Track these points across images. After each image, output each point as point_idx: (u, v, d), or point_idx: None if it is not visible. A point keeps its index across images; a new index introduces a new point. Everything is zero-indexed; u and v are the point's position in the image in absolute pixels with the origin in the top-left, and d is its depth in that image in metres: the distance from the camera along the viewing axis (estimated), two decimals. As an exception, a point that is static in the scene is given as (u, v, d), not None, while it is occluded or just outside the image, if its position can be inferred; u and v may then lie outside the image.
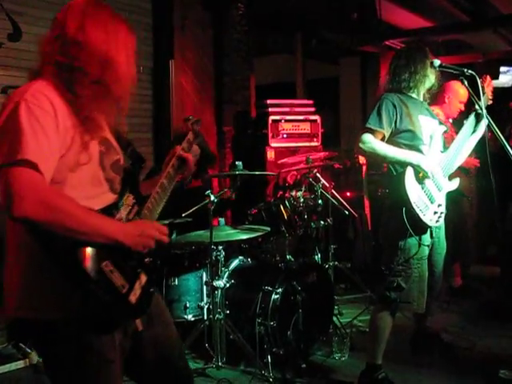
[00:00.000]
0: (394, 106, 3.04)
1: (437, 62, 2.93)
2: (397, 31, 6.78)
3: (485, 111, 2.74)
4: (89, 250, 1.53)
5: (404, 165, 2.99)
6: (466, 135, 3.22)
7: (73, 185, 1.62)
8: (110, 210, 1.67)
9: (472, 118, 3.20)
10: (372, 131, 3.00)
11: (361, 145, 2.98)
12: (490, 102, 3.40)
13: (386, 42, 6.53)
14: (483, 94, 2.89)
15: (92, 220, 1.54)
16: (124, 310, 1.63)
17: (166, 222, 3.36)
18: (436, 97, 4.51)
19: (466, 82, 2.88)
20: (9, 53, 3.95)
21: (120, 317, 1.66)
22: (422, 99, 3.21)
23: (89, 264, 1.52)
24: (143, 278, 1.72)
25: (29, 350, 3.70)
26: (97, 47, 1.68)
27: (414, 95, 3.16)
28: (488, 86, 3.36)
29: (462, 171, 4.61)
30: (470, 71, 2.88)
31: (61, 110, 1.59)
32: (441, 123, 3.24)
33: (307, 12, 6.20)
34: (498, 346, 3.81)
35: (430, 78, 3.16)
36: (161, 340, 1.92)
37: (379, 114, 3.01)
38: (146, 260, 1.75)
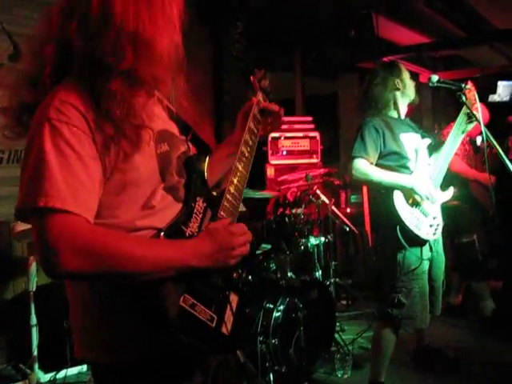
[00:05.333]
0: (377, 131, 3.05)
1: (435, 78, 2.95)
2: (394, 47, 6.84)
3: (483, 128, 2.72)
4: (160, 288, 1.22)
5: (399, 188, 2.98)
6: (454, 142, 3.15)
7: (126, 206, 1.29)
8: (177, 227, 1.30)
9: (461, 117, 3.11)
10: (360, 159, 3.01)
11: (354, 173, 3.00)
12: (476, 107, 3.39)
13: (384, 59, 6.56)
14: (466, 99, 2.89)
15: (153, 254, 1.21)
16: (215, 347, 1.32)
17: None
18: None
19: (463, 98, 2.89)
20: (9, 73, 3.97)
21: (211, 354, 1.36)
22: (403, 116, 3.23)
23: (164, 304, 1.21)
24: (234, 300, 1.38)
25: (28, 371, 3.67)
26: (124, 21, 1.24)
27: (394, 114, 3.18)
28: (470, 92, 3.36)
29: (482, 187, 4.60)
30: (467, 86, 2.90)
31: (94, 120, 1.21)
32: (424, 136, 3.23)
33: (305, 29, 6.25)
34: (501, 361, 3.77)
35: (408, 94, 3.19)
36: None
37: (363, 141, 3.03)
38: (234, 275, 1.40)
